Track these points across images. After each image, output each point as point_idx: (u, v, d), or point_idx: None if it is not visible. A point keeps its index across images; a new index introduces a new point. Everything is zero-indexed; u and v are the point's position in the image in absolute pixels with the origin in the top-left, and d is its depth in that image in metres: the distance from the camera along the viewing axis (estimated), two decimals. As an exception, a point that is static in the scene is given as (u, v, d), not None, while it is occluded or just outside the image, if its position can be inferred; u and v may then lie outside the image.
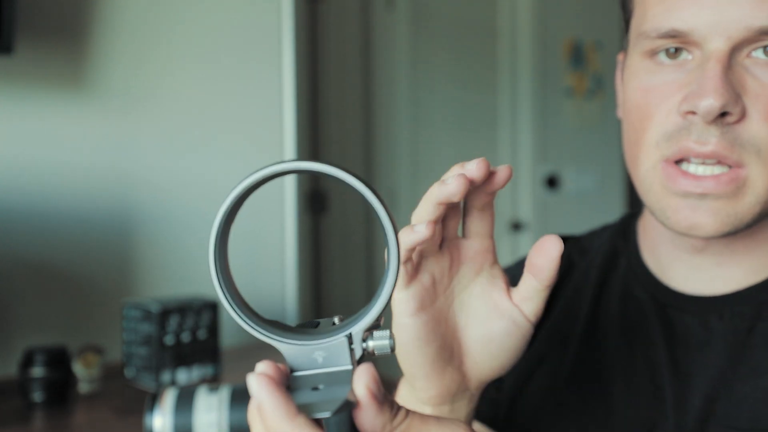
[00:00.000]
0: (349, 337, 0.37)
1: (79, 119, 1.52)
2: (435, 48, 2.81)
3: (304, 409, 0.35)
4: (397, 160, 2.75)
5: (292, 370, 0.38)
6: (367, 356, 0.38)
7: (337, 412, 0.34)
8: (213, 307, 1.36)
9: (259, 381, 0.35)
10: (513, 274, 0.79)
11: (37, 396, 1.20)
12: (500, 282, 0.53)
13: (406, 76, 2.75)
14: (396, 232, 0.37)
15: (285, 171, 0.36)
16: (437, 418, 0.37)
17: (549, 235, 0.48)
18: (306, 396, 0.36)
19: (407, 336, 0.51)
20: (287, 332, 0.39)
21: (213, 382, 1.32)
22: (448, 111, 2.86)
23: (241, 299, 0.40)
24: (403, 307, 0.50)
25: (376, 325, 0.39)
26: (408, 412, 0.36)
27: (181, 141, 1.63)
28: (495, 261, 0.53)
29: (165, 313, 1.29)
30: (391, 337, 0.38)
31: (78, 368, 1.28)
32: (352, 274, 2.75)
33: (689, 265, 0.66)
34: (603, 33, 3.18)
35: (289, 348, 0.38)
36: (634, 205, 3.42)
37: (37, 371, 1.20)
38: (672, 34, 0.59)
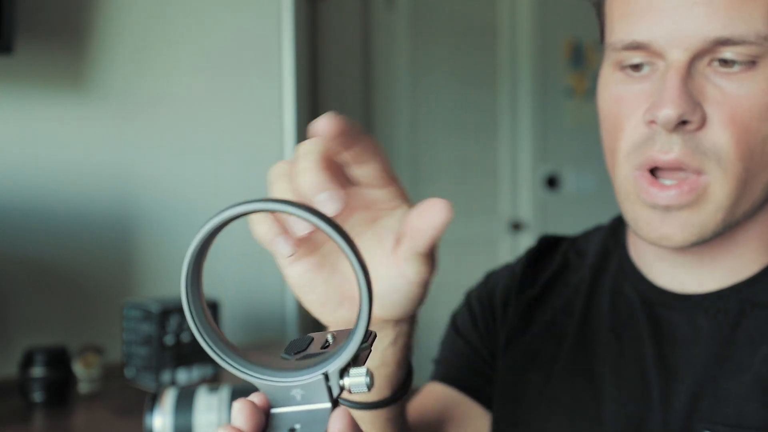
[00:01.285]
0: (326, 375, 0.36)
1: (79, 119, 1.52)
2: (435, 48, 2.81)
3: None
4: (397, 159, 2.75)
5: (271, 406, 0.38)
6: (345, 392, 0.37)
7: None
8: (213, 307, 1.36)
9: None
10: (505, 274, 0.80)
11: (37, 396, 1.20)
12: (389, 235, 0.48)
13: (406, 76, 2.75)
14: (366, 274, 0.35)
15: (249, 211, 0.35)
16: None
17: (438, 200, 0.43)
18: None
19: (289, 283, 0.49)
20: (265, 367, 0.38)
21: (213, 382, 1.32)
22: (448, 111, 2.86)
23: (218, 333, 0.39)
24: (280, 258, 0.48)
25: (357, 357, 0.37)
26: None
27: (181, 141, 1.63)
28: (399, 206, 0.48)
29: (165, 313, 1.29)
30: (368, 374, 0.36)
31: (78, 368, 1.28)
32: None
33: (672, 264, 0.68)
34: (603, 33, 3.18)
35: (267, 385, 0.38)
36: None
37: (37, 371, 1.20)
38: (634, 46, 0.62)
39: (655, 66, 0.62)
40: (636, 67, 0.63)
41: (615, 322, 0.70)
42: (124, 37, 1.57)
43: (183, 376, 1.31)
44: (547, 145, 3.07)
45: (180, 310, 1.31)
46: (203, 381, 1.33)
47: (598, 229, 0.80)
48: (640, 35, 0.61)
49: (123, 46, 1.57)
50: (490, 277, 0.83)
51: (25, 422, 1.15)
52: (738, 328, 0.63)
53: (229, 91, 1.69)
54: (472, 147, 2.93)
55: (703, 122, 0.59)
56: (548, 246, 0.81)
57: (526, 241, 3.02)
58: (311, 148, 0.42)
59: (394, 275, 0.47)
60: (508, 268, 0.82)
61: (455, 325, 0.81)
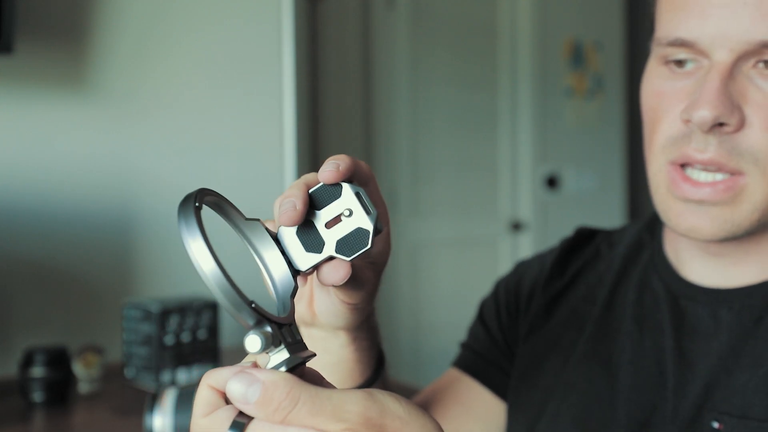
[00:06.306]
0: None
1: (79, 119, 1.52)
2: (435, 48, 2.81)
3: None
4: (397, 160, 2.75)
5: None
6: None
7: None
8: (213, 307, 1.36)
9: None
10: (527, 267, 0.82)
11: (37, 396, 1.20)
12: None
13: (406, 76, 2.75)
14: None
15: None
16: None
17: (339, 264, 0.47)
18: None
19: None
20: None
21: (213, 382, 1.32)
22: (448, 111, 2.85)
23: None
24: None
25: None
26: None
27: (181, 140, 1.63)
28: None
29: (165, 313, 1.29)
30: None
31: (78, 368, 1.28)
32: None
33: (705, 262, 0.68)
34: (603, 33, 3.18)
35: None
36: (634, 205, 3.42)
37: (37, 371, 1.20)
38: (679, 43, 0.61)
39: (699, 63, 0.61)
40: (680, 63, 0.63)
41: (638, 313, 0.70)
42: (124, 37, 1.57)
43: (183, 376, 1.31)
44: (547, 145, 3.07)
45: (179, 310, 1.31)
46: (203, 381, 1.33)
47: (634, 224, 0.81)
48: (686, 33, 0.60)
49: (123, 46, 1.57)
50: (520, 267, 0.84)
51: (25, 422, 1.15)
52: (761, 324, 0.63)
53: (229, 91, 1.69)
54: (472, 147, 2.93)
55: (741, 125, 0.59)
56: (583, 238, 0.82)
57: (526, 241, 3.02)
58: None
59: (325, 296, 0.54)
60: (539, 258, 0.83)
61: (481, 312, 0.84)
